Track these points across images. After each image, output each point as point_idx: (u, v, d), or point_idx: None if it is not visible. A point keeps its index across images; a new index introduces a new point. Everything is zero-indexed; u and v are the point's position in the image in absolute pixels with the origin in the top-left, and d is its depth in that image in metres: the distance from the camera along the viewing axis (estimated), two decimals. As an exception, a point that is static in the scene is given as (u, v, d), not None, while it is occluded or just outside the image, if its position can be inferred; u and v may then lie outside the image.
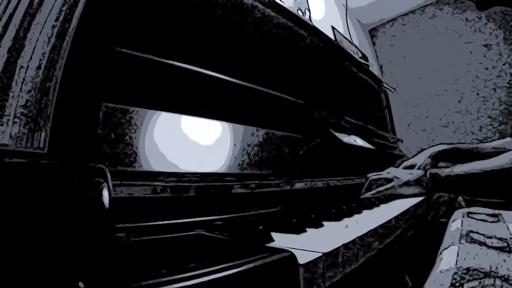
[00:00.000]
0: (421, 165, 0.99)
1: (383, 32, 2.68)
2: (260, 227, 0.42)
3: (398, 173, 0.87)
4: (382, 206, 0.77)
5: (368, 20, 2.61)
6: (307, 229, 0.47)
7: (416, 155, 0.99)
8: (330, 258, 0.36)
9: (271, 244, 0.38)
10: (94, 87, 0.37)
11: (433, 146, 1.02)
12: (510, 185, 0.65)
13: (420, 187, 0.81)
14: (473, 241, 0.55)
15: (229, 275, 0.25)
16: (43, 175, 0.24)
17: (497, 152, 0.87)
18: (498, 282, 0.36)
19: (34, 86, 0.33)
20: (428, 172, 0.81)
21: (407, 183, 0.83)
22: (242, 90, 0.63)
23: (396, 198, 0.85)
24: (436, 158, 1.01)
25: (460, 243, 0.54)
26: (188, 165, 0.48)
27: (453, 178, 0.75)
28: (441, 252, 0.53)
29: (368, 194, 0.86)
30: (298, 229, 0.46)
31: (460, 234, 0.61)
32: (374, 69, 2.27)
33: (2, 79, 0.32)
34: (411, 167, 1.02)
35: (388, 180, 0.87)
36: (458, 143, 1.05)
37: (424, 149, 1.03)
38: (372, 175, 0.91)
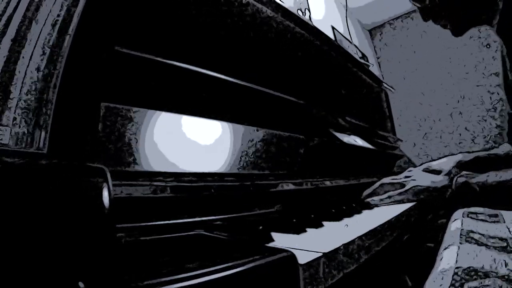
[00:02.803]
0: (447, 172, 0.86)
1: (383, 32, 2.68)
2: (260, 227, 0.42)
3: (419, 176, 0.79)
4: (383, 206, 0.77)
5: (368, 20, 2.61)
6: (307, 229, 0.47)
7: (438, 158, 0.90)
8: (330, 258, 0.36)
9: (271, 244, 0.38)
10: (94, 87, 0.37)
11: (454, 154, 0.91)
12: None
13: (441, 197, 0.74)
14: (473, 241, 0.55)
15: (229, 275, 0.25)
16: (43, 175, 0.24)
17: (508, 156, 0.80)
18: (498, 282, 0.36)
19: (34, 86, 0.33)
20: (455, 180, 0.74)
21: (427, 190, 0.76)
22: (242, 90, 0.63)
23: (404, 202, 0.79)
24: (463, 168, 0.88)
25: (460, 243, 0.54)
26: (188, 165, 0.48)
27: (489, 187, 0.65)
28: (441, 252, 0.53)
29: (375, 200, 0.79)
30: (298, 229, 0.46)
31: (460, 234, 0.60)
32: (374, 69, 2.27)
33: (2, 79, 0.32)
34: (431, 171, 0.89)
35: (403, 185, 0.79)
36: (476, 151, 0.94)
37: (449, 155, 0.94)
38: (386, 179, 0.82)
